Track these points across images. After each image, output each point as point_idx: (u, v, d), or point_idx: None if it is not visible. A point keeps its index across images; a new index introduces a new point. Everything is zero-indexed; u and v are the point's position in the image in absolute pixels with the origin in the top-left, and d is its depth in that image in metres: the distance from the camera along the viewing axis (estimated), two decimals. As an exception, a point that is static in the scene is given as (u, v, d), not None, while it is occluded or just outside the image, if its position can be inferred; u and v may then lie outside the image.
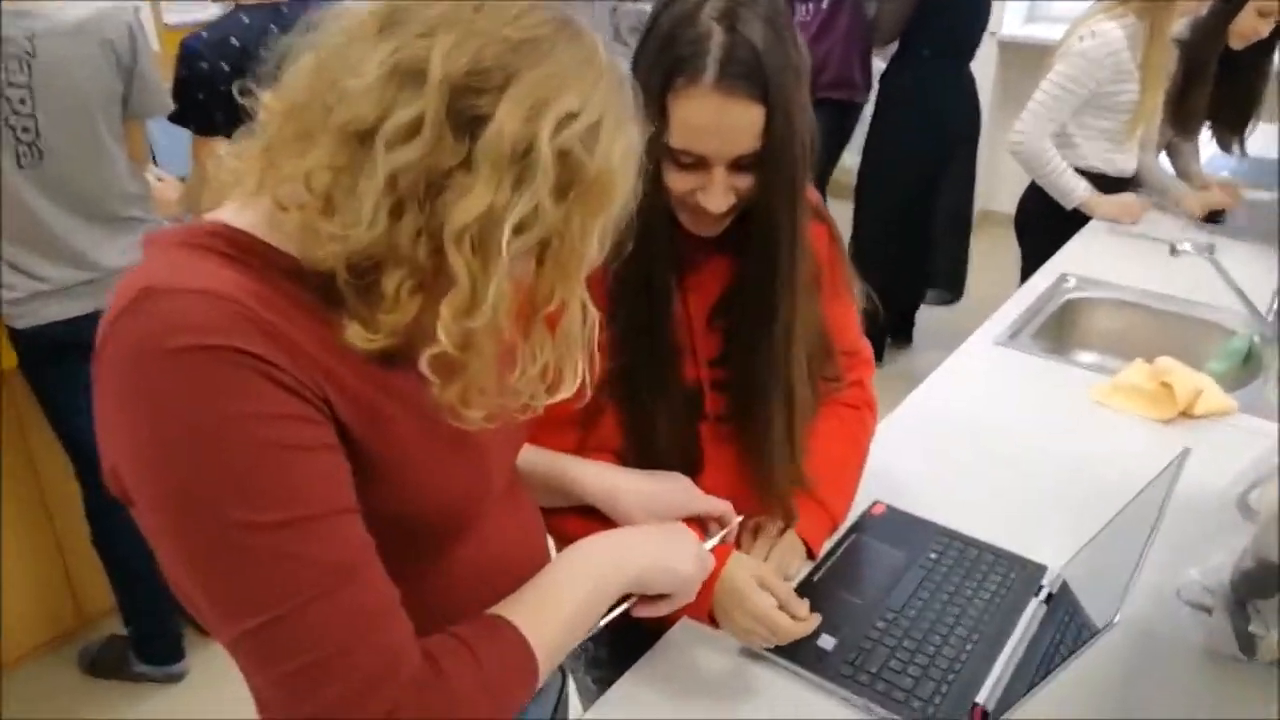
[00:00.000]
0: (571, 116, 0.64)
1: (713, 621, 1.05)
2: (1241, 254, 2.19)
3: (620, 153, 0.67)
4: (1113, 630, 0.84)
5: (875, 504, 1.35)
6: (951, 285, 3.80)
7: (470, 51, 0.62)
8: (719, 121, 0.93)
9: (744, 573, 1.04)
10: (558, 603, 0.81)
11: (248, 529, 0.62)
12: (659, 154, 0.96)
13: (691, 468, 1.13)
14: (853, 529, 1.30)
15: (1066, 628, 1.09)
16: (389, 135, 0.61)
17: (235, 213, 0.70)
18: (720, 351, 1.14)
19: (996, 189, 5.42)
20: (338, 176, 0.63)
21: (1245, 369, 1.87)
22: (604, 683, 1.12)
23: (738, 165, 0.97)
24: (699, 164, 0.97)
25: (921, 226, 3.57)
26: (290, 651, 0.63)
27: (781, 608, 1.03)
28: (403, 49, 0.63)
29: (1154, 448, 1.54)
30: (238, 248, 0.67)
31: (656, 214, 0.99)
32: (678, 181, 0.98)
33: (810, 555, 1.22)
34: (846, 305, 1.24)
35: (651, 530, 0.97)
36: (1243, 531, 1.16)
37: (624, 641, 1.13)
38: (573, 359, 0.73)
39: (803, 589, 1.18)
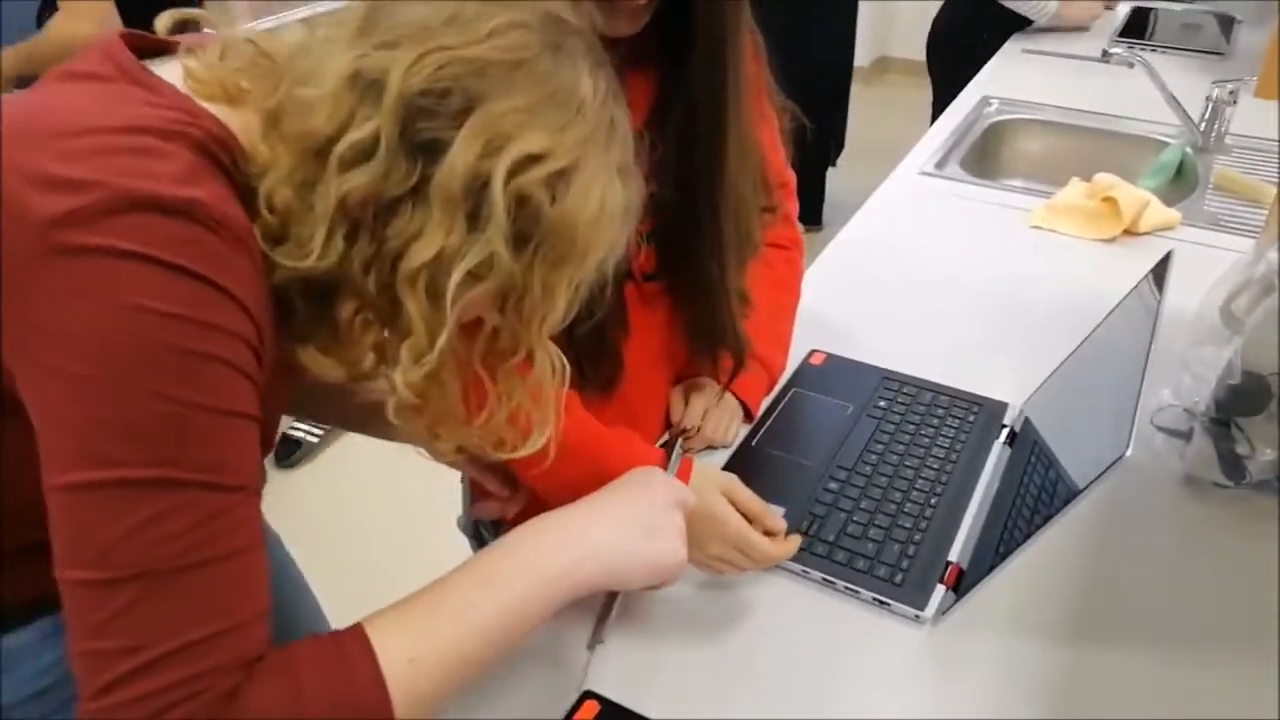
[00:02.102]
0: (534, 159, 0.55)
1: None
2: (1164, 65, 2.06)
3: (597, 207, 0.58)
4: (1124, 464, 0.70)
5: (813, 353, 1.20)
6: (837, 144, 3.60)
7: (429, 68, 0.54)
8: None
9: (712, 490, 0.84)
10: (453, 628, 0.62)
11: None
12: None
13: (619, 335, 0.95)
14: (791, 382, 1.14)
15: (1034, 468, 0.96)
16: (343, 153, 0.54)
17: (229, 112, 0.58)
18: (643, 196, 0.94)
19: (889, 34, 5.26)
20: (298, 192, 0.56)
21: (1178, 182, 1.77)
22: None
23: None
24: None
25: (802, 80, 3.34)
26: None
27: (754, 524, 0.84)
28: (365, 57, 0.55)
29: (1099, 268, 1.43)
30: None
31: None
32: None
33: (748, 416, 1.07)
34: (772, 126, 1.05)
35: (628, 501, 0.73)
36: (1215, 349, 1.04)
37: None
38: (543, 410, 0.67)
39: (742, 454, 1.03)
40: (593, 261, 0.61)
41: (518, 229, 0.56)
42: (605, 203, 0.59)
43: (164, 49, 0.62)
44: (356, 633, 0.59)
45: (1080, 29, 2.55)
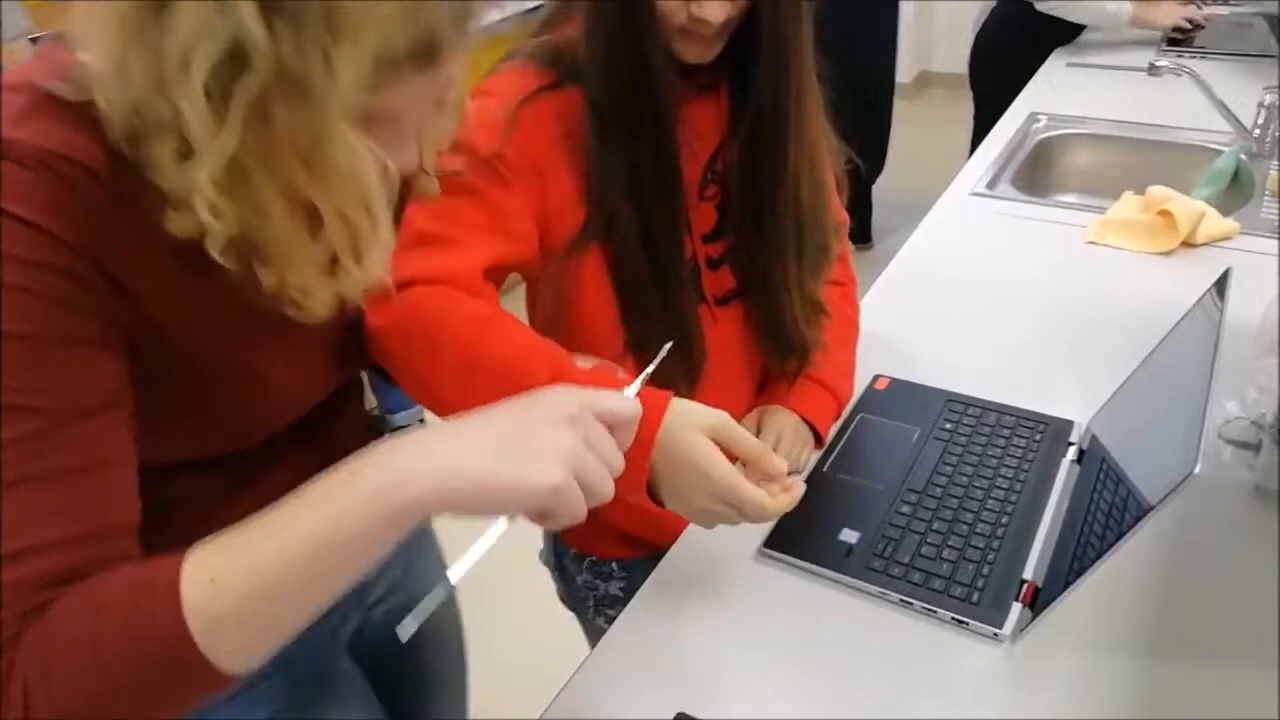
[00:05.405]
0: None
1: (654, 498, 0.77)
2: (1213, 71, 2.06)
3: None
4: (1194, 479, 0.72)
5: (877, 378, 1.23)
6: (876, 158, 3.53)
7: None
8: None
9: (693, 434, 0.73)
10: (257, 546, 0.55)
11: None
12: None
13: (699, 356, 0.99)
14: (857, 408, 1.17)
15: (1103, 484, 0.98)
16: None
17: None
18: (714, 223, 0.99)
19: (931, 50, 5.26)
20: (121, 26, 0.54)
21: (1234, 190, 1.76)
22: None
23: None
24: None
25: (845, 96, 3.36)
26: None
27: (751, 467, 0.75)
28: None
29: (1158, 282, 1.44)
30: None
31: (651, 37, 0.84)
32: None
33: (818, 442, 1.10)
34: (828, 167, 1.09)
35: (493, 419, 0.60)
36: (1280, 357, 1.05)
37: (640, 572, 0.99)
38: (374, 217, 0.62)
39: (814, 480, 1.06)
40: (378, 31, 0.54)
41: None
42: None
43: None
44: (174, 558, 0.56)
45: (1147, 40, 2.51)
